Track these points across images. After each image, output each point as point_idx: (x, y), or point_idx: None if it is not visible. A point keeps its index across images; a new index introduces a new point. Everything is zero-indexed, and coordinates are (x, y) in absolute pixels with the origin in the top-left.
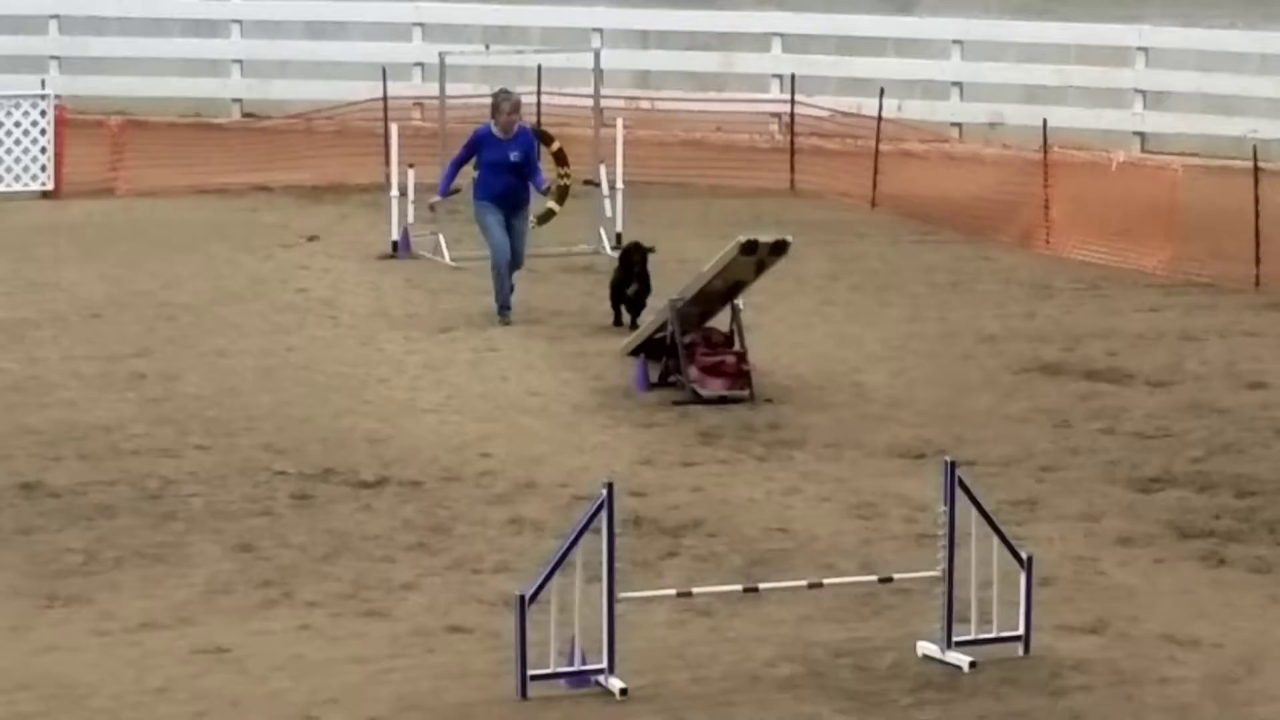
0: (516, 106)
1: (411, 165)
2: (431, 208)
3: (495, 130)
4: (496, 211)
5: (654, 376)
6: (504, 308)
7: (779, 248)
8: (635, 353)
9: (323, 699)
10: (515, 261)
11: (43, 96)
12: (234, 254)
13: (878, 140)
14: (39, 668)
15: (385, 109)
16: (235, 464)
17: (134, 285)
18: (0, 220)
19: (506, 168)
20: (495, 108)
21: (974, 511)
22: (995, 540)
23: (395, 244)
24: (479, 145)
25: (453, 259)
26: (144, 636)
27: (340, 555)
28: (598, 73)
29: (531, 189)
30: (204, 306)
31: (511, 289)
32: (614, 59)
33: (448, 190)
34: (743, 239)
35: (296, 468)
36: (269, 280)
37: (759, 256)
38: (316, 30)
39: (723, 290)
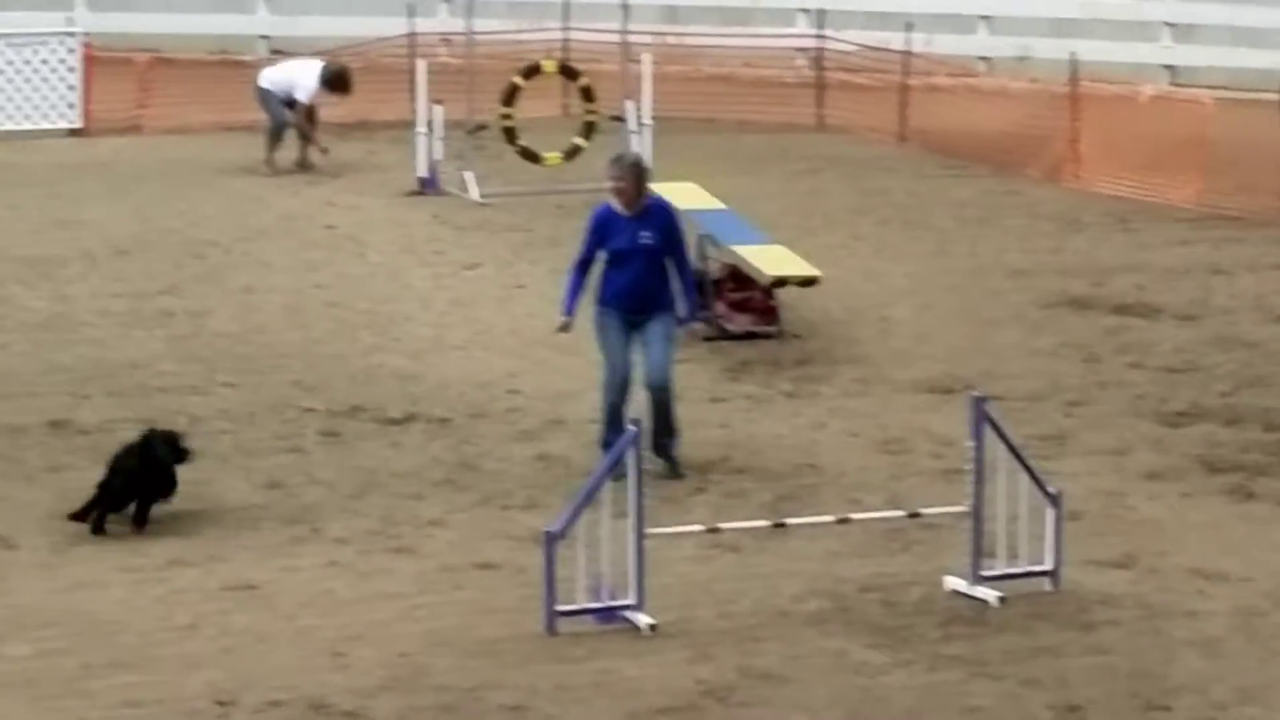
0: (637, 173)
1: (439, 102)
2: (563, 329)
3: (616, 207)
4: (619, 319)
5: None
6: (618, 460)
7: (809, 283)
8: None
9: (351, 635)
10: (649, 384)
11: (70, 34)
12: (261, 191)
13: (905, 75)
14: (67, 604)
15: (412, 45)
16: (264, 401)
17: (161, 223)
18: (28, 158)
19: (635, 256)
20: (610, 182)
21: (1002, 446)
22: (1023, 475)
23: (423, 180)
24: (602, 231)
25: (480, 195)
26: (172, 573)
27: (368, 492)
28: (625, 8)
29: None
30: (231, 244)
31: (665, 437)
32: None
33: (574, 305)
34: (771, 275)
35: (325, 405)
36: (297, 217)
37: (785, 284)
38: None
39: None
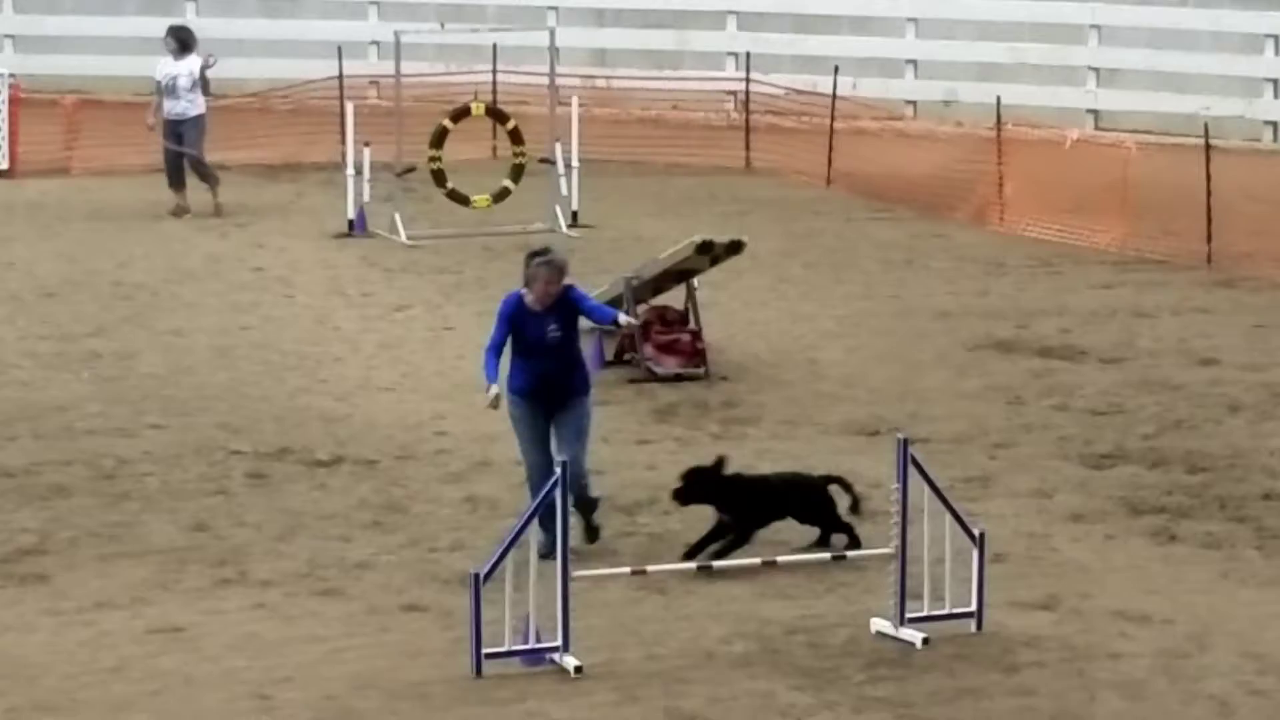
0: (560, 272)
1: (368, 144)
2: (494, 402)
3: (528, 300)
4: (533, 412)
5: (609, 354)
6: (546, 554)
7: (734, 247)
8: (591, 330)
9: (278, 678)
10: (574, 486)
11: None
12: (189, 233)
13: (832, 118)
14: None
15: (341, 87)
16: (190, 443)
17: (89, 264)
18: None
19: (545, 350)
20: (530, 277)
21: (927, 488)
22: (948, 517)
23: (351, 222)
24: (511, 323)
25: (409, 237)
26: (98, 616)
27: (295, 534)
28: (553, 51)
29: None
30: (159, 285)
31: (590, 529)
32: (570, 37)
33: (495, 373)
34: (698, 239)
35: (252, 447)
36: (225, 259)
37: (714, 253)
38: (272, 8)
39: (677, 273)
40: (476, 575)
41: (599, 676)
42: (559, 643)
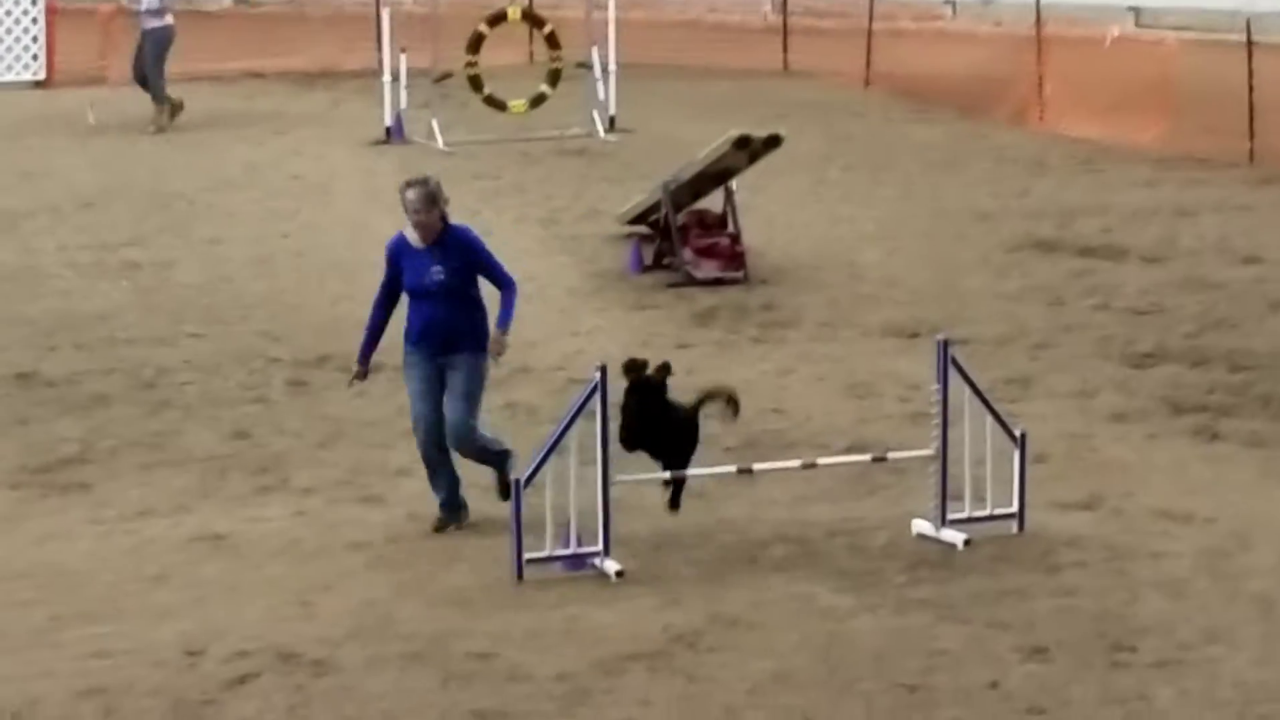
0: (428, 200)
1: (404, 50)
2: (355, 377)
3: (410, 237)
4: (420, 360)
5: (648, 259)
6: (442, 505)
7: (772, 141)
8: (632, 221)
9: (319, 584)
10: (450, 444)
11: None
12: (227, 142)
13: (870, 18)
14: (36, 556)
15: None
16: (230, 352)
17: (126, 174)
18: None
19: (427, 294)
20: (404, 207)
21: (967, 390)
22: (989, 418)
23: (388, 129)
24: (395, 264)
25: (446, 144)
26: (140, 524)
27: (336, 441)
28: None
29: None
30: (197, 194)
31: (452, 484)
32: None
33: (368, 354)
34: (736, 134)
35: (291, 355)
36: (262, 167)
37: (752, 149)
38: None
39: (715, 174)
40: (516, 481)
41: (640, 581)
42: (600, 548)
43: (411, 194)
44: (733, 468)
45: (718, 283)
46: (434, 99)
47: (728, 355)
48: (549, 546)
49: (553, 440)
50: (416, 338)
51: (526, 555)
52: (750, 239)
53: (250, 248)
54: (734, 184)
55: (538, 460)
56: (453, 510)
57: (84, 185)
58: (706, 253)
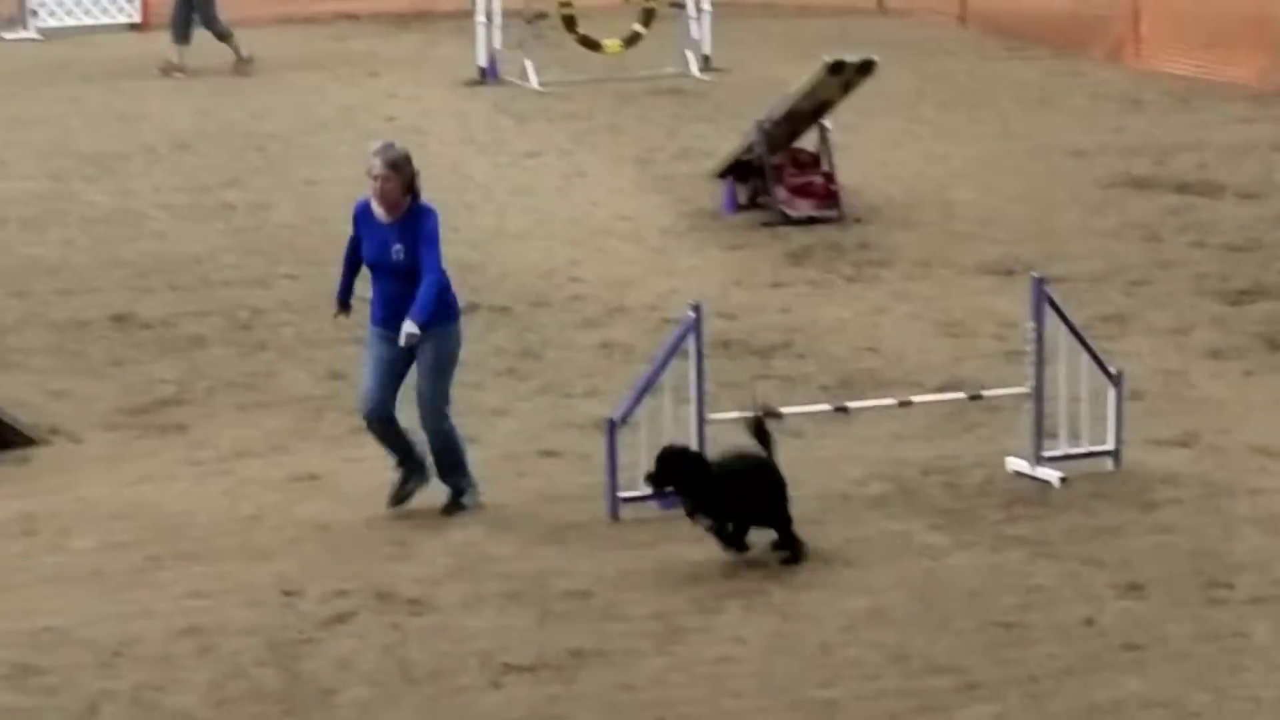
0: (389, 165)
1: None
2: (338, 312)
3: (374, 207)
4: (377, 339)
5: (742, 198)
6: (404, 473)
7: (865, 67)
8: (723, 174)
9: (414, 524)
10: (423, 417)
11: None
12: (321, 83)
13: None
14: (133, 497)
15: None
16: (325, 293)
17: (222, 116)
18: (89, 53)
19: (388, 270)
20: (367, 172)
21: (1063, 327)
22: (1085, 356)
23: (482, 70)
24: (357, 230)
25: (540, 84)
26: (237, 465)
27: None
28: None
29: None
30: (292, 136)
31: (405, 447)
32: None
33: (345, 296)
34: (829, 59)
35: None
36: (357, 109)
37: (845, 77)
38: None
39: (810, 110)
40: (611, 420)
41: None
42: None
43: (375, 158)
44: (828, 406)
45: (812, 221)
46: (527, 39)
47: (821, 294)
48: (644, 486)
49: (647, 379)
50: (380, 317)
51: (621, 494)
52: (845, 177)
53: (345, 188)
54: (828, 122)
55: (632, 399)
56: (416, 471)
57: (179, 127)
58: (801, 191)
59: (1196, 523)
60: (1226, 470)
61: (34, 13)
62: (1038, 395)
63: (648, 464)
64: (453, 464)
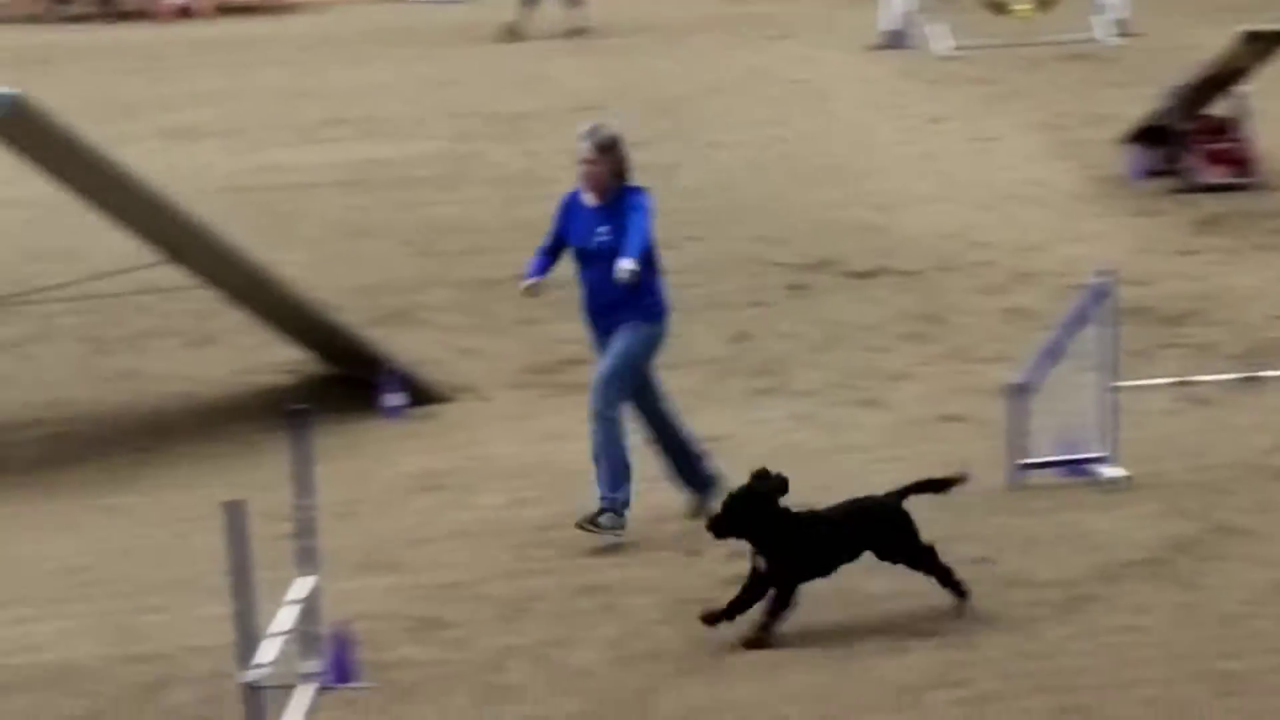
0: (597, 149)
1: None
2: (526, 291)
3: (583, 193)
4: (592, 331)
5: (1153, 164)
6: (693, 489)
7: None
8: (1132, 140)
9: (818, 486)
10: (590, 399)
11: None
12: (724, 47)
13: None
14: (537, 455)
15: None
16: (730, 255)
17: (624, 78)
18: (494, 16)
19: (594, 257)
20: (580, 159)
21: None
22: None
23: (887, 35)
24: (563, 221)
25: (948, 48)
26: (640, 425)
27: (834, 345)
28: None
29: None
30: (697, 98)
31: (681, 461)
32: None
33: (539, 271)
34: (1245, 29)
35: (789, 258)
36: (762, 72)
37: (1263, 45)
38: None
39: (1224, 77)
40: (1015, 385)
41: (1139, 488)
42: (1103, 453)
43: (583, 141)
44: (1239, 375)
45: (1224, 188)
46: (933, 3)
47: (1233, 262)
48: (1047, 452)
49: (1053, 344)
50: (583, 306)
51: (1024, 460)
52: (1261, 143)
53: (747, 152)
54: (1246, 88)
55: (1037, 364)
56: (703, 488)
57: (583, 89)
58: (1214, 157)
59: None
60: None
61: None
62: None
63: (1051, 431)
64: (606, 462)
